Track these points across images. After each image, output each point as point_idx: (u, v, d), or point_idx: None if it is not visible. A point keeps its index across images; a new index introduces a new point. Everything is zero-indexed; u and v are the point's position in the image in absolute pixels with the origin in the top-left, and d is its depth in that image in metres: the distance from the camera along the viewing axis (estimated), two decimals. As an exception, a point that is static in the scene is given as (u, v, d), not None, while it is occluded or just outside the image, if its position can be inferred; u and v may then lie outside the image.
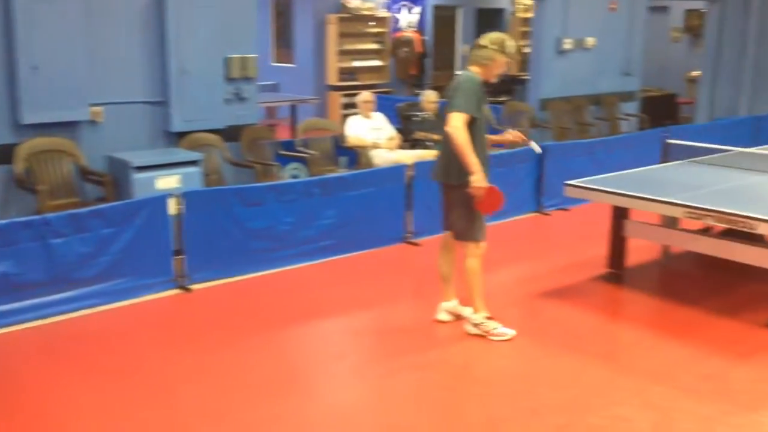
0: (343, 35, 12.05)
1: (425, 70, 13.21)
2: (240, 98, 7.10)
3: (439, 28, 13.91)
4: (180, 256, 5.40)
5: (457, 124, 4.31)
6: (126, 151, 6.36)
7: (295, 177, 7.48)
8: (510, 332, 4.64)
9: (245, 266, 5.68)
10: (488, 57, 4.46)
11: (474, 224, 4.54)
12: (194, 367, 4.27)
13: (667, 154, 7.31)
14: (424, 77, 13.16)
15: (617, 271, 5.65)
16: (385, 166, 7.21)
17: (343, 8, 12.03)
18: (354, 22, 12.21)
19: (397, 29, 12.87)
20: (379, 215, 6.38)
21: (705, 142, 6.93)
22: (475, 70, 4.49)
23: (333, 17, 11.90)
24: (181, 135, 6.76)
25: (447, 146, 4.48)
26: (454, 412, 3.85)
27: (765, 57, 11.76)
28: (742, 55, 11.86)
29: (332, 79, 12.06)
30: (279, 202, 5.81)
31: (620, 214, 5.53)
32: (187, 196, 5.37)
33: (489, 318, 4.67)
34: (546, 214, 7.63)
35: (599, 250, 5.79)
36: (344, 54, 12.15)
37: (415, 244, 6.49)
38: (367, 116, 7.99)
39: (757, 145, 8.14)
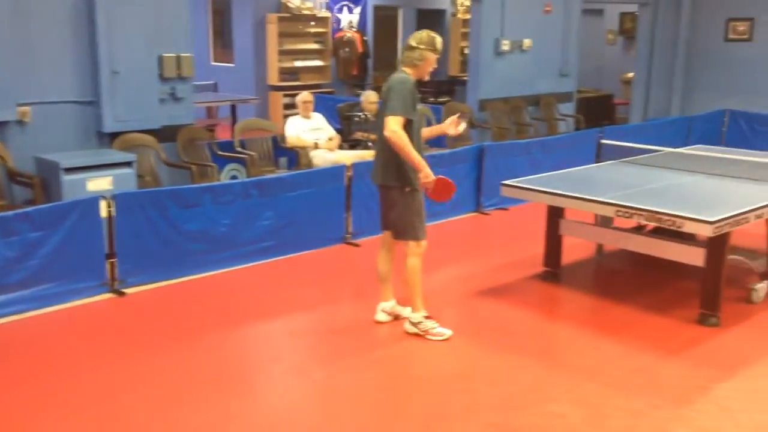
0: (284, 35, 11.97)
1: (367, 71, 13.22)
2: (175, 98, 6.98)
3: (380, 28, 13.92)
4: (113, 260, 5.27)
5: (394, 127, 4.34)
6: (56, 152, 6.18)
7: (234, 178, 7.39)
8: (447, 332, 4.68)
9: (181, 269, 5.58)
10: (419, 57, 4.50)
11: (415, 223, 4.57)
12: (128, 374, 4.16)
13: (601, 154, 7.48)
14: (365, 77, 13.16)
15: (553, 269, 5.74)
16: (325, 166, 7.17)
17: (283, 8, 11.94)
18: (294, 22, 12.13)
19: (339, 29, 12.84)
20: (318, 216, 6.35)
21: (639, 142, 7.11)
22: (408, 71, 4.52)
23: (273, 16, 11.80)
24: (115, 135, 6.60)
25: (384, 148, 4.50)
26: (391, 412, 3.85)
27: (695, 59, 12.16)
28: (673, 57, 12.24)
29: (273, 79, 11.96)
30: (216, 204, 5.73)
31: (555, 214, 5.62)
32: (118, 198, 5.25)
33: (427, 317, 4.69)
34: (485, 214, 7.72)
35: (537, 249, 5.88)
36: (285, 54, 12.07)
37: (355, 245, 6.48)
38: (307, 116, 7.94)
39: (688, 145, 8.41)
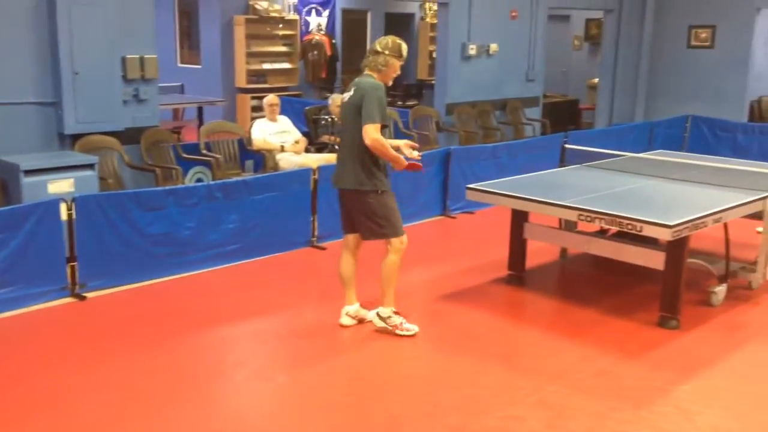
0: (252, 37, 11.90)
1: (335, 74, 13.20)
2: (139, 100, 6.91)
3: (349, 31, 13.91)
4: (74, 263, 5.20)
5: (375, 135, 4.40)
6: (16, 154, 6.07)
7: (199, 181, 7.32)
8: (414, 328, 4.76)
9: (144, 273, 5.52)
10: (384, 63, 4.55)
11: (393, 220, 4.61)
12: (85, 380, 4.10)
13: (565, 158, 7.56)
14: (334, 81, 13.14)
15: (518, 273, 5.78)
16: (291, 169, 7.15)
17: (250, 10, 11.87)
18: (262, 24, 12.07)
19: (307, 32, 12.80)
20: (284, 219, 6.32)
21: (603, 147, 7.20)
22: (374, 76, 4.55)
23: (240, 18, 11.72)
24: (77, 137, 6.50)
25: (354, 154, 4.52)
26: (354, 416, 3.85)
27: (658, 65, 12.35)
28: (638, 63, 12.42)
29: (241, 81, 11.88)
30: (179, 207, 5.67)
31: (520, 217, 5.66)
32: (79, 201, 5.18)
33: (396, 313, 4.75)
34: (452, 218, 7.75)
35: (502, 252, 5.91)
36: (253, 56, 12.00)
37: (321, 248, 6.47)
38: (273, 119, 7.91)
39: (650, 150, 8.53)
